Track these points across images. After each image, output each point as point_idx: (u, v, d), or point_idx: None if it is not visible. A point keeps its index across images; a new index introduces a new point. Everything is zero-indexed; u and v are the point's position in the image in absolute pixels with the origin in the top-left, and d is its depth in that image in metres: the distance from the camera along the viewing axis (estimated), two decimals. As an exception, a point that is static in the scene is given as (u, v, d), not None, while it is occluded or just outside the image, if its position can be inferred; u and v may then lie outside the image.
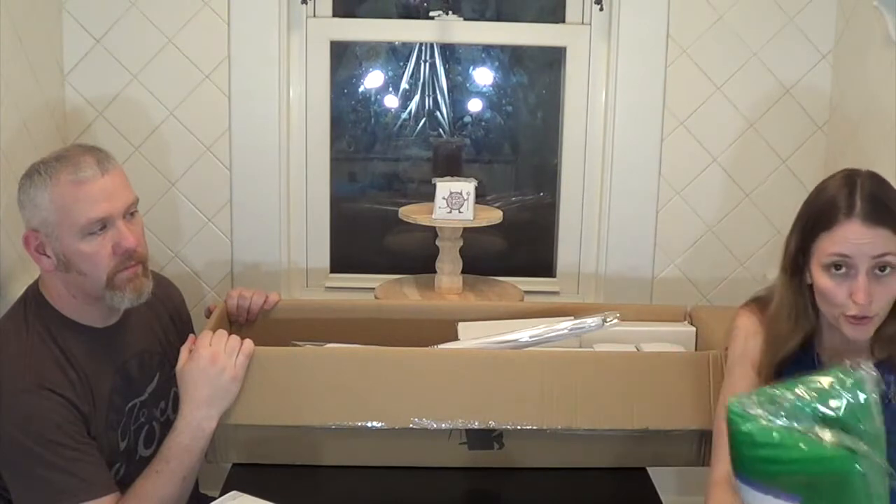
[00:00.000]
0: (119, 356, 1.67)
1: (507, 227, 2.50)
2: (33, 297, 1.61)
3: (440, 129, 2.69)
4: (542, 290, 2.60)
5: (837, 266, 1.39)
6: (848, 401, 1.12)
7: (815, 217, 1.43)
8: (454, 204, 2.28)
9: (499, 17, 2.62)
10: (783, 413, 1.12)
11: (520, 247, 2.76)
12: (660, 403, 1.64)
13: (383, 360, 1.65)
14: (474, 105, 2.70)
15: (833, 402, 1.12)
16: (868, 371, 1.14)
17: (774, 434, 1.11)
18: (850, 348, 1.44)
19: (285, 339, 1.83)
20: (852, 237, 1.37)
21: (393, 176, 2.78)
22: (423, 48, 2.62)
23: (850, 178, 1.41)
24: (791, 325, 1.49)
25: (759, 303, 1.59)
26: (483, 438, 1.69)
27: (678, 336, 1.90)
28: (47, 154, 1.60)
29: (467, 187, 2.29)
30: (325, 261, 2.61)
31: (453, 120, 2.69)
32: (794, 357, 1.50)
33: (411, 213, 2.33)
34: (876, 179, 1.42)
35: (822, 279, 1.41)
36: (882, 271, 1.36)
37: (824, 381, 1.14)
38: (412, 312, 1.99)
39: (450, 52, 2.64)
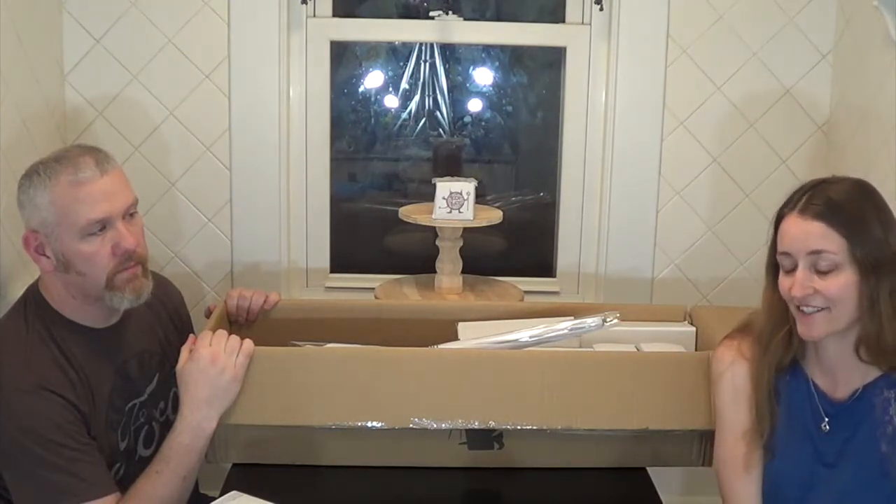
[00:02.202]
0: (119, 356, 1.67)
1: (507, 227, 2.50)
2: (33, 298, 1.61)
3: (440, 129, 2.69)
4: (542, 290, 2.60)
5: (788, 265, 1.39)
6: None
7: (775, 217, 1.44)
8: (454, 204, 2.28)
9: (499, 17, 2.62)
10: None
11: (520, 247, 2.76)
12: (660, 403, 1.64)
13: (383, 360, 1.65)
14: (474, 105, 2.70)
15: None
16: None
17: None
18: (840, 366, 1.42)
19: (285, 339, 1.83)
20: (790, 230, 1.38)
21: (393, 176, 2.79)
22: (423, 48, 2.62)
23: (820, 180, 1.42)
24: (772, 325, 1.47)
25: (736, 331, 1.56)
26: (483, 438, 1.69)
27: (678, 336, 1.90)
28: (47, 154, 1.60)
29: (467, 187, 2.29)
30: (325, 261, 2.61)
31: (453, 120, 2.69)
32: (788, 379, 1.48)
33: (411, 213, 2.32)
34: (846, 184, 1.40)
35: (779, 278, 1.42)
36: (827, 269, 1.35)
37: None
38: (412, 312, 1.99)
39: (450, 52, 2.64)
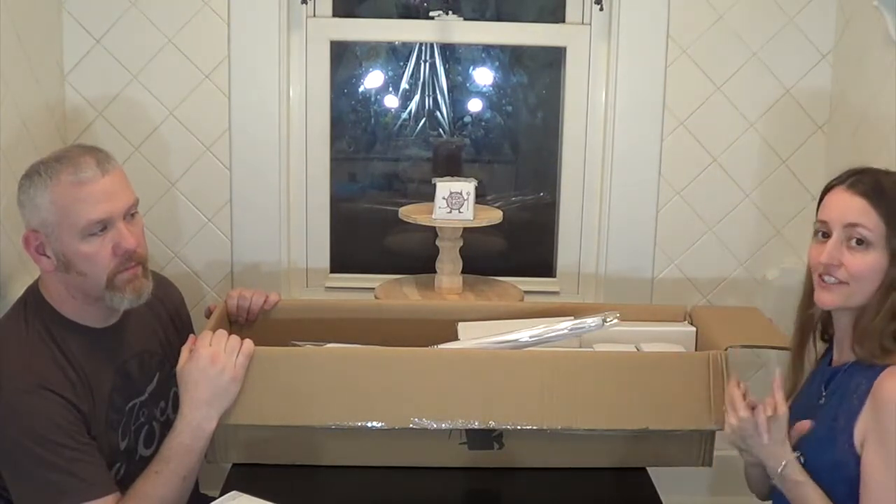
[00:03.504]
0: (119, 356, 1.67)
1: (507, 227, 2.50)
2: (33, 298, 1.61)
3: (440, 129, 2.69)
4: (542, 290, 2.60)
5: (824, 234, 1.45)
6: None
7: (823, 190, 1.50)
8: (454, 204, 2.28)
9: (499, 17, 2.62)
10: None
11: (520, 247, 2.76)
12: (660, 403, 1.64)
13: (383, 360, 1.65)
14: (474, 105, 2.70)
15: None
16: None
17: None
18: (847, 339, 1.48)
19: (285, 339, 1.83)
20: (834, 200, 1.44)
21: (393, 176, 2.79)
22: (423, 48, 2.62)
23: (871, 167, 1.47)
24: (805, 302, 1.54)
25: None
26: (483, 438, 1.69)
27: (678, 336, 1.90)
28: (47, 154, 1.60)
29: (467, 187, 2.29)
30: (325, 261, 2.61)
31: (453, 120, 2.69)
32: (823, 353, 1.56)
33: (411, 213, 2.33)
34: (889, 172, 1.45)
35: (810, 246, 1.48)
36: (859, 245, 1.40)
37: None
38: (412, 312, 1.99)
39: (450, 52, 2.64)
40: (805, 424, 1.45)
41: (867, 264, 1.39)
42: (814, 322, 1.55)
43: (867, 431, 1.37)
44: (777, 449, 1.43)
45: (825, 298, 1.44)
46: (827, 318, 1.54)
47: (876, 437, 1.35)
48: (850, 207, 1.40)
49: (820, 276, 1.44)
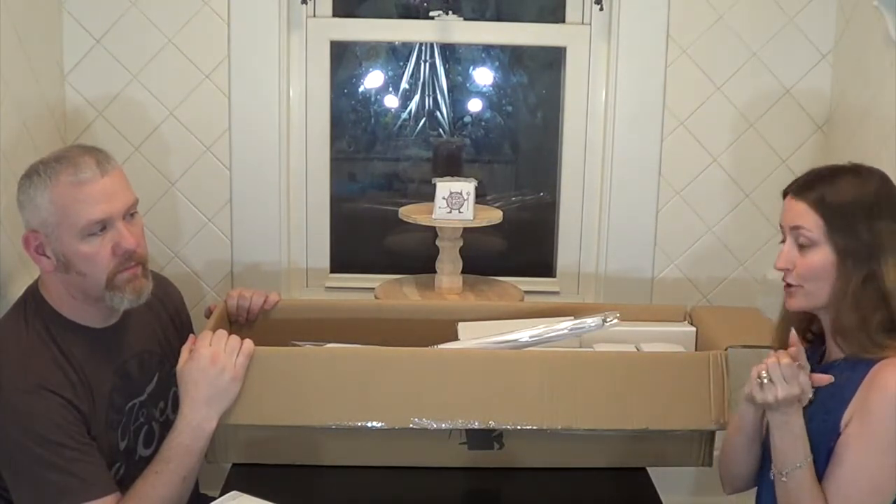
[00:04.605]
0: (118, 356, 1.67)
1: (507, 227, 2.50)
2: (33, 298, 1.61)
3: (440, 129, 2.69)
4: (542, 290, 2.60)
5: (782, 238, 1.50)
6: None
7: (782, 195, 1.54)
8: (454, 204, 2.28)
9: (499, 17, 2.62)
10: None
11: (520, 247, 2.76)
12: (660, 403, 1.64)
13: (383, 360, 1.65)
14: (474, 105, 2.70)
15: None
16: None
17: None
18: (831, 337, 1.49)
19: (285, 339, 1.83)
20: (784, 207, 1.50)
21: (393, 176, 2.79)
22: (423, 48, 2.62)
23: (829, 167, 1.51)
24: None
25: None
26: (483, 438, 1.69)
27: (678, 336, 1.90)
28: (47, 154, 1.60)
29: (467, 187, 2.29)
30: (325, 261, 2.61)
31: (453, 120, 2.69)
32: (811, 348, 1.55)
33: (411, 213, 2.33)
34: (848, 173, 1.47)
35: None
36: (805, 246, 1.44)
37: None
38: (412, 312, 1.99)
39: (450, 52, 2.64)
40: (824, 378, 1.41)
41: (812, 264, 1.43)
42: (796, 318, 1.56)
43: (853, 412, 1.38)
44: (800, 431, 1.39)
45: (789, 302, 1.50)
46: (810, 317, 1.54)
47: (861, 417, 1.37)
48: (793, 212, 1.46)
49: (783, 280, 1.49)
